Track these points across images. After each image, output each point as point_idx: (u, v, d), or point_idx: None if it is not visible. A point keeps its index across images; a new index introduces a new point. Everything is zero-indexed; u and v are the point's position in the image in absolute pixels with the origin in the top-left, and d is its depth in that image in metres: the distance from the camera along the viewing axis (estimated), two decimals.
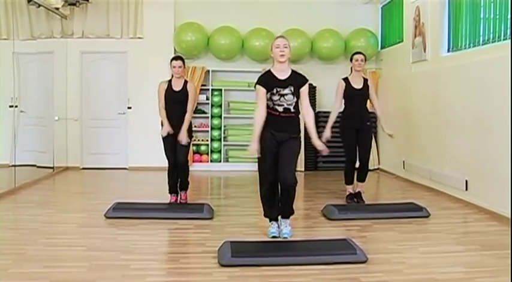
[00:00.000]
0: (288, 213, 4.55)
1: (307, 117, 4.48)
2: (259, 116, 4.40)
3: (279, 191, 4.50)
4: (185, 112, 5.72)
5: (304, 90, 4.44)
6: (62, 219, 5.26)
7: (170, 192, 5.88)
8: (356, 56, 6.02)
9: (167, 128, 5.64)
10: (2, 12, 7.39)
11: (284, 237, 4.47)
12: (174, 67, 5.70)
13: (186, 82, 5.78)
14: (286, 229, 4.52)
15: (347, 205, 5.90)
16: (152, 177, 7.89)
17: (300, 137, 4.55)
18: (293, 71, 4.47)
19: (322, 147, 4.52)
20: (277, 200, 4.55)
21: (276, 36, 4.57)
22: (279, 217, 4.60)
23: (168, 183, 5.85)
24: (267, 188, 4.49)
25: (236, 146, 9.12)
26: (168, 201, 5.86)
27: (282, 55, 4.37)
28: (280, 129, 4.38)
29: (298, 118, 4.49)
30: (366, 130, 6.02)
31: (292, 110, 4.38)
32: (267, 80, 4.43)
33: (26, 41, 7.79)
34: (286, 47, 4.38)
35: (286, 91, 4.36)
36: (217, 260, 3.85)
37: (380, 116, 6.15)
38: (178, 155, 5.71)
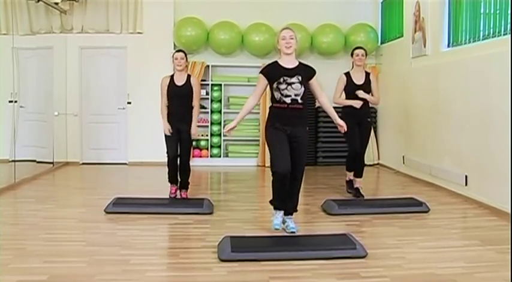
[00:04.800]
0: (291, 208, 4.55)
1: (325, 105, 4.59)
2: (250, 102, 4.52)
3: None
4: (188, 107, 5.72)
5: (314, 81, 4.48)
6: (61, 214, 5.26)
7: (170, 182, 5.88)
8: (357, 51, 6.02)
9: (167, 127, 5.67)
10: (1, 7, 7.38)
11: (292, 232, 4.45)
12: (176, 58, 5.65)
13: (189, 76, 5.75)
14: (291, 224, 4.52)
15: (347, 200, 5.91)
16: (152, 172, 7.88)
17: (307, 129, 4.53)
18: (300, 62, 4.45)
19: (344, 125, 4.60)
20: (287, 193, 4.47)
21: (282, 27, 4.48)
22: (283, 215, 4.57)
23: (168, 173, 5.84)
24: (279, 180, 4.36)
25: (236, 141, 9.12)
26: (168, 192, 5.87)
27: (288, 47, 4.34)
28: (288, 124, 4.35)
29: (306, 111, 4.47)
30: (366, 125, 6.03)
31: (299, 101, 4.33)
32: (273, 70, 4.40)
33: (25, 36, 7.79)
34: (292, 39, 4.35)
35: (294, 80, 4.32)
36: (217, 255, 3.86)
37: (372, 99, 6.06)
38: (182, 154, 5.74)
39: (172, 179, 5.87)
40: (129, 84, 8.77)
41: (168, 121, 5.68)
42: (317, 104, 9.01)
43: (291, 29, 4.45)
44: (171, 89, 5.64)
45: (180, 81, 5.66)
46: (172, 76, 5.71)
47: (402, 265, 3.72)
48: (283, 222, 4.55)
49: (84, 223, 4.91)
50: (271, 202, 4.57)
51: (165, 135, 5.72)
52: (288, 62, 4.40)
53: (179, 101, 5.66)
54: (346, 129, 4.61)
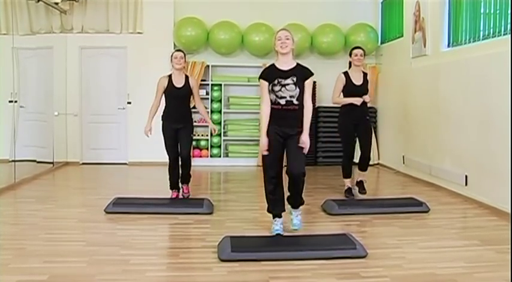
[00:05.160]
0: (297, 203, 4.52)
1: (305, 109, 4.35)
2: (264, 110, 4.39)
3: (288, 183, 4.44)
4: (186, 107, 5.72)
5: (308, 83, 4.35)
6: (61, 214, 5.26)
7: (171, 188, 5.87)
8: (355, 51, 6.00)
9: (148, 128, 5.66)
10: (1, 7, 7.38)
11: (294, 229, 4.45)
12: (176, 58, 5.60)
13: (187, 77, 5.72)
14: (296, 219, 4.50)
15: (347, 200, 5.91)
16: (152, 172, 7.89)
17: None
18: (298, 64, 4.41)
19: (304, 145, 4.28)
20: (281, 196, 4.49)
21: (279, 29, 4.50)
22: (290, 207, 4.56)
23: (169, 179, 5.83)
24: (270, 183, 4.42)
25: (236, 141, 9.13)
26: (169, 196, 5.84)
27: (283, 47, 4.32)
28: (283, 125, 4.30)
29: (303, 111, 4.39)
30: (365, 124, 6.02)
31: (295, 102, 4.29)
32: (269, 73, 4.39)
33: (25, 36, 7.79)
34: (288, 39, 4.34)
35: (288, 81, 4.28)
36: (217, 255, 3.86)
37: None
38: (183, 149, 5.70)
39: (173, 185, 5.85)
40: (129, 84, 8.77)
41: (167, 122, 5.66)
42: (317, 104, 9.03)
43: (286, 29, 4.45)
44: (169, 91, 5.61)
45: (178, 82, 5.63)
46: (170, 77, 5.66)
47: (402, 265, 3.72)
48: (290, 213, 4.55)
49: (84, 223, 4.91)
50: (268, 210, 4.58)
51: (164, 138, 5.68)
52: (284, 64, 4.37)
53: (178, 103, 5.64)
54: (307, 149, 4.32)
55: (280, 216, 4.53)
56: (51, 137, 8.29)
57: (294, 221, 4.51)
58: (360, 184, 6.13)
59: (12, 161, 7.06)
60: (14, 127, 7.36)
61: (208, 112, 8.90)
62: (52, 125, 8.31)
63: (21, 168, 7.04)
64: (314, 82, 8.91)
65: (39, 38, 8.08)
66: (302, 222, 4.55)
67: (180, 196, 5.91)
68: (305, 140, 4.29)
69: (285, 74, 4.32)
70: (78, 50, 8.73)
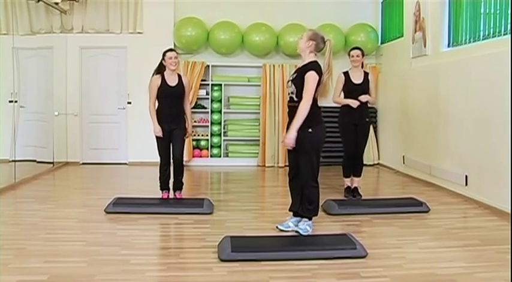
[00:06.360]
0: (303, 209, 4.52)
1: (299, 107, 4.26)
2: None
3: None
4: (181, 107, 5.66)
5: (305, 77, 4.28)
6: (62, 214, 5.26)
7: (162, 189, 5.79)
8: (352, 52, 6.02)
9: (158, 128, 5.55)
10: (1, 7, 7.38)
11: (297, 231, 4.43)
12: (171, 58, 5.53)
13: (180, 76, 5.68)
14: (301, 225, 4.47)
15: (347, 200, 5.91)
16: (152, 172, 7.85)
17: (310, 131, 4.33)
18: (310, 62, 4.42)
19: (286, 141, 4.28)
20: (297, 194, 4.59)
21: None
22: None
23: (160, 179, 5.76)
24: (289, 179, 4.65)
25: (236, 141, 9.13)
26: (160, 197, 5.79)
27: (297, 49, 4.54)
28: (289, 121, 4.44)
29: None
30: (364, 125, 6.03)
31: (295, 99, 4.38)
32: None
33: (25, 36, 7.79)
34: (301, 38, 4.47)
35: (290, 78, 4.50)
36: (217, 255, 3.86)
37: (369, 100, 5.99)
38: (176, 151, 5.65)
39: (164, 186, 5.79)
40: (129, 84, 8.77)
41: (160, 123, 5.56)
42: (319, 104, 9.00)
43: (309, 29, 4.57)
44: (164, 90, 5.53)
45: (172, 81, 5.58)
46: (163, 76, 5.58)
47: (402, 265, 3.72)
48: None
49: (85, 223, 4.91)
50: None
51: (157, 139, 5.61)
52: (302, 62, 4.49)
53: (173, 102, 5.58)
54: (290, 145, 4.31)
55: (291, 212, 4.61)
56: (51, 137, 8.29)
57: (300, 225, 4.49)
58: (355, 190, 6.13)
59: (12, 161, 7.06)
60: (14, 127, 7.36)
61: (208, 113, 8.92)
62: (52, 125, 8.30)
63: (21, 168, 7.04)
64: None
65: (39, 38, 8.08)
66: (309, 232, 4.43)
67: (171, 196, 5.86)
68: (288, 136, 4.27)
69: (294, 72, 4.50)
70: (78, 50, 8.72)
